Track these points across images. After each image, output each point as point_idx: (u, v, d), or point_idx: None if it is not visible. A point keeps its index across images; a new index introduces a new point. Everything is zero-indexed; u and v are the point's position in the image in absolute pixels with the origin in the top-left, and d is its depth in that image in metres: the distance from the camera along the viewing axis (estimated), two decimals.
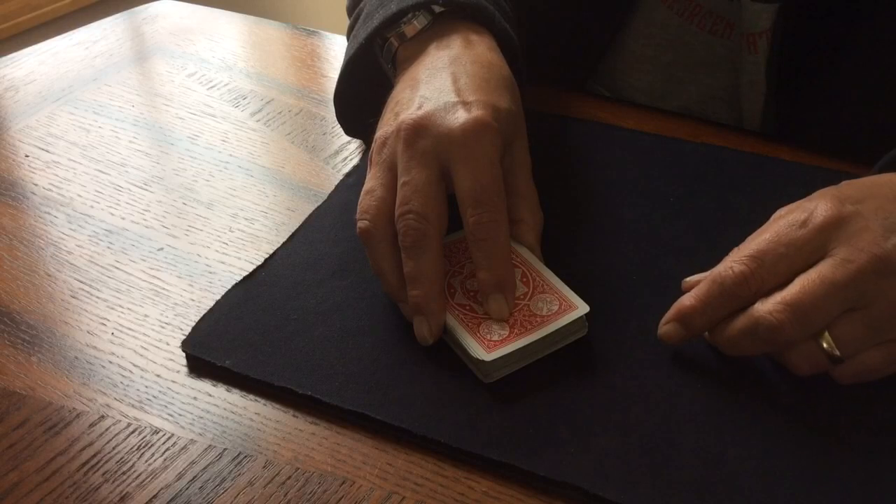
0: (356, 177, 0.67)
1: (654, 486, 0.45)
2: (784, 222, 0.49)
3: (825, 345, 0.47)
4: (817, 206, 0.49)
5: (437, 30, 0.61)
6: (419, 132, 0.53)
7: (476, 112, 0.53)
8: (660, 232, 0.61)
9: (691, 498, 0.45)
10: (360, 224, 0.53)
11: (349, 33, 0.70)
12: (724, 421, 0.48)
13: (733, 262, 0.49)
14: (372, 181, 0.54)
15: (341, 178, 0.68)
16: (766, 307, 0.47)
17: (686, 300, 0.50)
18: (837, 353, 0.47)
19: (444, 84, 0.55)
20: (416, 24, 0.61)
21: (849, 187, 0.50)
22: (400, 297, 0.53)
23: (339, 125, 0.70)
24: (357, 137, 0.71)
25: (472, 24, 0.61)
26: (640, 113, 0.75)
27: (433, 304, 0.51)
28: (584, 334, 0.53)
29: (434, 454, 0.48)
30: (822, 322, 0.46)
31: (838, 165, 0.67)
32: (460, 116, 0.52)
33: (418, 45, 0.60)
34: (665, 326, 0.51)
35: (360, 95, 0.66)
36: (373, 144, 0.56)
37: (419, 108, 0.54)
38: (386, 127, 0.55)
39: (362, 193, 0.54)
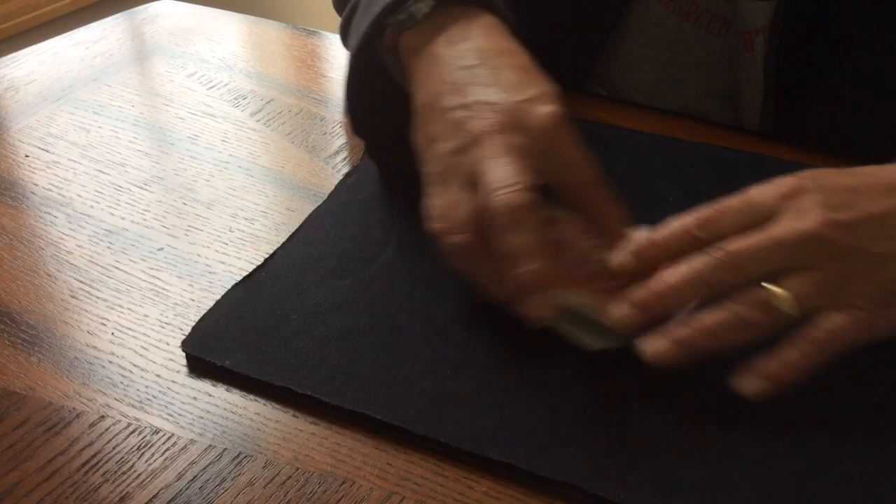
0: (356, 177, 0.67)
1: (654, 486, 0.45)
2: (746, 190, 0.51)
3: (780, 295, 0.47)
4: (782, 180, 0.51)
5: (443, 17, 0.58)
6: (498, 132, 0.52)
7: (546, 107, 0.52)
8: None
9: (691, 498, 0.45)
10: (455, 238, 0.51)
11: (344, 28, 0.68)
12: (724, 421, 0.48)
13: (696, 209, 0.51)
14: (450, 194, 0.52)
15: (341, 178, 0.68)
16: (708, 250, 0.49)
17: (641, 233, 0.51)
18: (795, 308, 0.47)
19: (494, 82, 0.54)
20: (421, 10, 0.58)
21: (821, 172, 0.52)
22: (509, 296, 0.50)
23: (339, 125, 0.70)
24: (363, 138, 0.69)
25: (475, 10, 0.59)
26: (639, 113, 0.75)
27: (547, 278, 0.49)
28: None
29: (434, 454, 0.48)
30: (757, 270, 0.47)
31: (838, 165, 0.67)
32: (535, 111, 0.52)
33: (425, 35, 0.58)
34: (618, 255, 0.50)
35: (369, 89, 0.64)
36: (437, 153, 0.54)
37: (487, 115, 0.53)
38: (452, 138, 0.53)
39: (438, 207, 0.52)
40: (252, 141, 0.73)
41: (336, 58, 0.85)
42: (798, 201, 0.49)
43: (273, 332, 0.54)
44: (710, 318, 0.48)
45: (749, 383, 0.48)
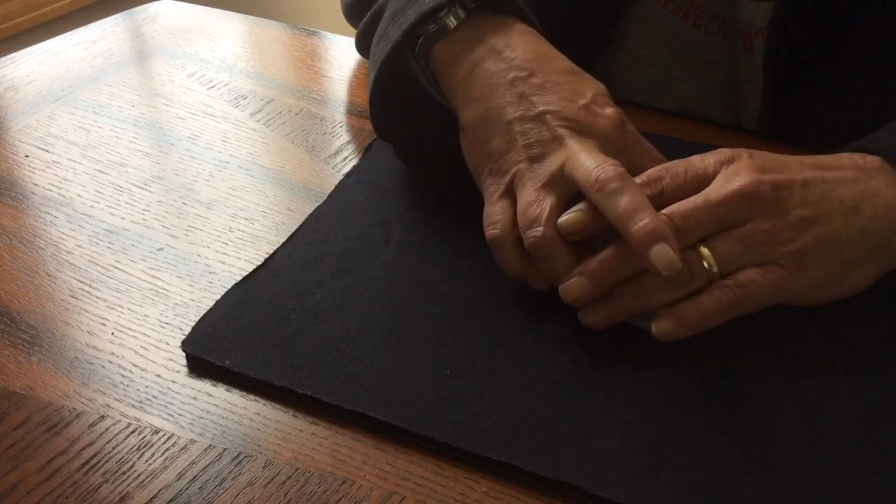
0: (356, 177, 0.67)
1: (654, 486, 0.45)
2: (690, 158, 0.55)
3: (704, 253, 0.51)
4: (720, 150, 0.54)
5: (477, 27, 0.59)
6: (575, 134, 0.54)
7: (607, 110, 0.56)
8: None
9: (691, 498, 0.45)
10: (536, 233, 0.52)
11: (363, 37, 0.67)
12: (724, 421, 0.48)
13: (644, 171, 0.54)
14: (529, 195, 0.53)
15: (341, 178, 0.68)
16: None
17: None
18: (715, 266, 0.51)
19: (551, 89, 0.56)
20: (452, 20, 0.59)
21: (756, 150, 0.55)
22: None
23: (339, 125, 0.70)
24: (388, 141, 0.68)
25: (508, 18, 0.60)
26: (639, 113, 0.75)
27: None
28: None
29: (434, 454, 0.48)
30: (695, 234, 0.51)
31: None
32: (600, 116, 0.56)
33: (461, 46, 0.59)
34: (570, 215, 0.52)
35: (393, 96, 0.63)
36: (498, 167, 0.56)
37: (557, 121, 0.55)
38: (523, 150, 0.55)
39: (522, 210, 0.53)
40: (252, 141, 0.73)
41: (336, 58, 0.85)
42: (732, 166, 0.53)
43: (273, 332, 0.54)
44: (642, 277, 0.51)
45: (662, 323, 0.51)
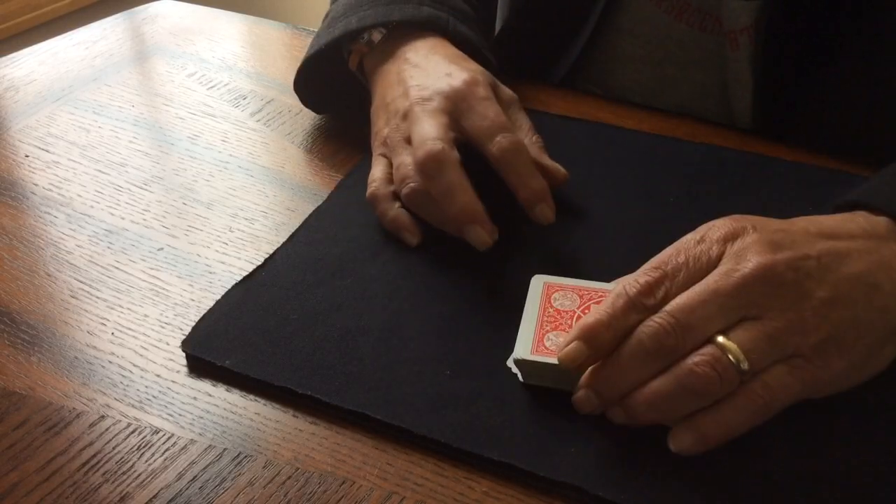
0: (356, 177, 0.67)
1: (654, 486, 0.45)
2: (684, 239, 0.49)
3: (730, 348, 0.45)
4: (714, 224, 0.49)
5: (396, 41, 0.69)
6: (424, 102, 0.62)
7: (463, 74, 0.63)
8: (660, 232, 0.60)
9: (691, 498, 0.45)
10: (405, 188, 0.60)
11: (321, 29, 0.75)
12: None
13: (636, 275, 0.48)
14: (400, 157, 0.61)
15: (341, 178, 0.68)
16: (653, 317, 0.46)
17: (589, 317, 0.47)
18: (745, 362, 0.44)
19: (426, 73, 0.64)
20: (375, 37, 0.70)
21: (752, 216, 0.50)
22: (474, 219, 0.58)
23: (340, 125, 0.70)
24: (318, 112, 0.76)
25: (425, 33, 0.69)
26: (639, 113, 0.75)
27: (476, 207, 0.57)
28: None
29: (434, 454, 0.48)
30: (704, 328, 0.45)
31: (839, 165, 0.67)
32: (454, 81, 0.62)
33: (383, 56, 0.69)
34: (568, 349, 0.47)
35: (318, 78, 0.73)
36: (378, 139, 0.64)
37: (416, 93, 0.63)
38: (393, 120, 0.64)
39: (395, 168, 0.61)
40: (252, 141, 0.73)
41: None
42: (738, 243, 0.47)
43: (273, 332, 0.54)
44: (657, 385, 0.46)
45: (679, 438, 0.46)
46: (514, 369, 0.51)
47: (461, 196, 0.57)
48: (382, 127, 0.64)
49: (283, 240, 0.61)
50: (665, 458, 0.46)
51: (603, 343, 0.47)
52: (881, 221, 0.51)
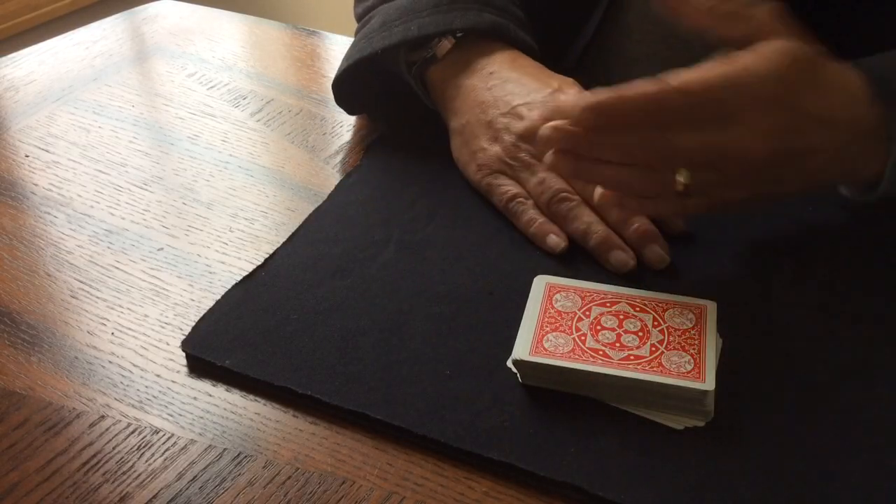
0: (356, 177, 0.67)
1: (654, 486, 0.45)
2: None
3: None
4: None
5: (465, 52, 0.67)
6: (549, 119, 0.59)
7: (574, 88, 0.63)
8: (660, 231, 0.61)
9: (690, 498, 0.45)
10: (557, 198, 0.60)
11: (360, 29, 0.73)
12: (723, 421, 0.48)
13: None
14: (538, 175, 0.61)
15: (341, 178, 0.68)
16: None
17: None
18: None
19: (525, 87, 0.64)
20: (444, 46, 0.67)
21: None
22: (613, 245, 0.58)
23: (339, 125, 0.70)
24: (353, 114, 0.74)
25: (493, 43, 0.68)
26: None
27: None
28: (700, 424, 0.48)
29: (434, 454, 0.48)
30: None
31: None
32: (570, 93, 0.63)
33: (454, 68, 0.67)
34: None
35: (360, 82, 0.72)
36: (485, 158, 0.63)
37: (525, 110, 0.63)
38: (506, 138, 0.63)
39: (533, 189, 0.61)
40: (252, 141, 0.73)
41: (336, 58, 0.85)
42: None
43: (273, 332, 0.54)
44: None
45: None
46: (514, 370, 0.51)
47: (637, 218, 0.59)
48: (488, 146, 0.63)
49: (283, 240, 0.61)
50: (665, 458, 0.46)
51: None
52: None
